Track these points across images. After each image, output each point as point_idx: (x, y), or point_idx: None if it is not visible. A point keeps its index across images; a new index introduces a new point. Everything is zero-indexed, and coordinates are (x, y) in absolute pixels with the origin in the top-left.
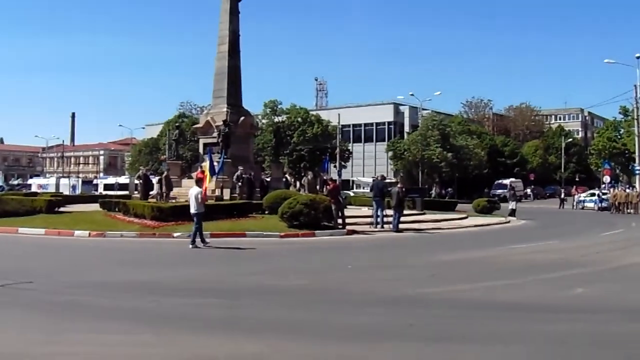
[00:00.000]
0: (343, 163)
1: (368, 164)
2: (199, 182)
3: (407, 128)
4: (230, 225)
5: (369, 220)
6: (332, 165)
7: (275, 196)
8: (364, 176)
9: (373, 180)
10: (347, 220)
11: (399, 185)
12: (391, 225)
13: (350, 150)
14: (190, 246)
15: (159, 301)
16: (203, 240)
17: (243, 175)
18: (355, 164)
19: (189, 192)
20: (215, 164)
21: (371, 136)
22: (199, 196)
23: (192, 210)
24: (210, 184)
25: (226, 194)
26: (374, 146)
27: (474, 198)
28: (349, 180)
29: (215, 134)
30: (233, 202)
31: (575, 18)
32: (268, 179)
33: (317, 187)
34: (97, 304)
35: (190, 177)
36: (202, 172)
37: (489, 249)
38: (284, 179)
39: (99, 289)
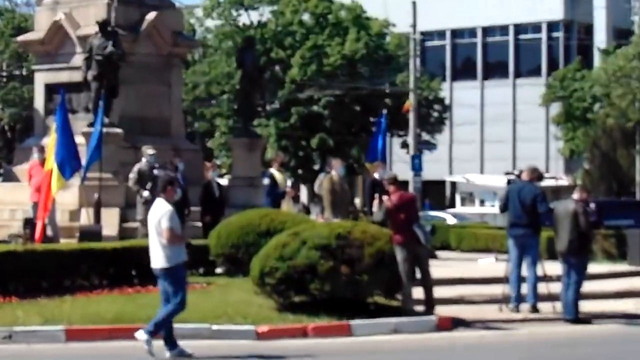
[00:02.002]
0: (428, 138)
1: (493, 139)
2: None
3: (602, 41)
4: (119, 308)
5: (494, 290)
6: (396, 138)
7: (242, 226)
8: (482, 171)
9: (508, 183)
10: (440, 291)
11: (578, 196)
12: (559, 305)
13: (445, 103)
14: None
15: None
16: None
17: (156, 171)
18: (457, 140)
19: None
20: (79, 139)
21: (501, 63)
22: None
23: (157, 264)
24: (61, 194)
25: (110, 220)
26: (509, 90)
27: None
28: (441, 183)
29: (77, 60)
30: (125, 243)
31: None
32: (221, 180)
33: (356, 199)
34: None
35: (6, 176)
36: (42, 161)
37: None
38: (266, 179)
39: None
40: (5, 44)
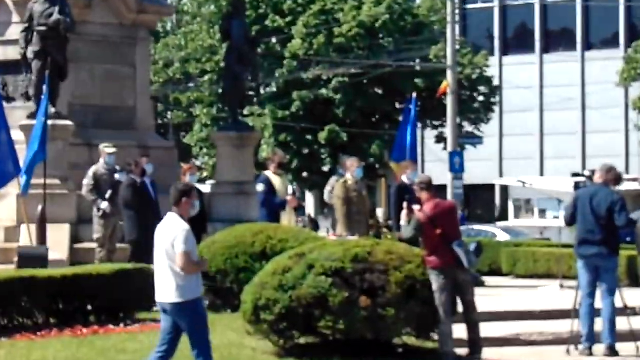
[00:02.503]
0: (472, 130)
1: (555, 131)
2: None
3: None
4: (71, 355)
5: (559, 327)
6: (429, 130)
7: (230, 246)
8: (542, 172)
9: (576, 187)
10: (488, 329)
11: None
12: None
13: (493, 83)
14: None
15: None
16: None
17: (117, 175)
18: (510, 132)
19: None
20: (16, 134)
21: (565, 32)
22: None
23: (166, 298)
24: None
25: (58, 240)
26: (577, 67)
27: None
28: (489, 189)
29: (13, 32)
30: (79, 270)
31: None
32: (202, 186)
33: (378, 210)
34: None
35: None
36: None
37: None
38: (260, 184)
39: None
40: None
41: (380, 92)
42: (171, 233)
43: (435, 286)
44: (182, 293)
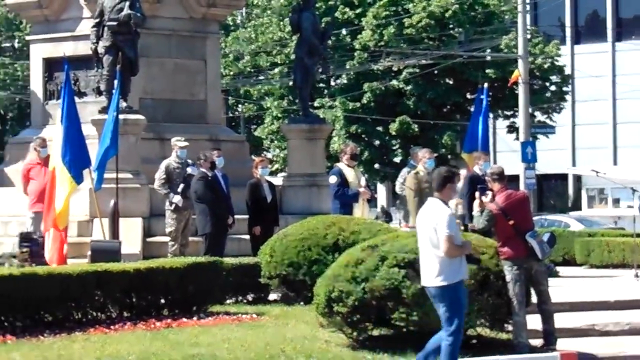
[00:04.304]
0: (544, 119)
1: (629, 119)
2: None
3: None
4: (145, 348)
5: (635, 317)
6: (501, 120)
7: (302, 238)
8: (616, 161)
9: None
10: (562, 320)
11: None
12: None
13: (565, 72)
14: None
15: None
16: None
17: (189, 169)
18: (583, 121)
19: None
20: (88, 129)
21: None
22: None
23: (430, 282)
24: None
25: (131, 234)
26: None
27: None
28: (562, 178)
29: (85, 27)
30: (151, 264)
31: None
32: (274, 179)
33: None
34: None
35: None
36: (44, 159)
37: None
38: (332, 176)
39: None
40: None
41: (451, 82)
42: (434, 218)
43: (508, 277)
44: (445, 276)
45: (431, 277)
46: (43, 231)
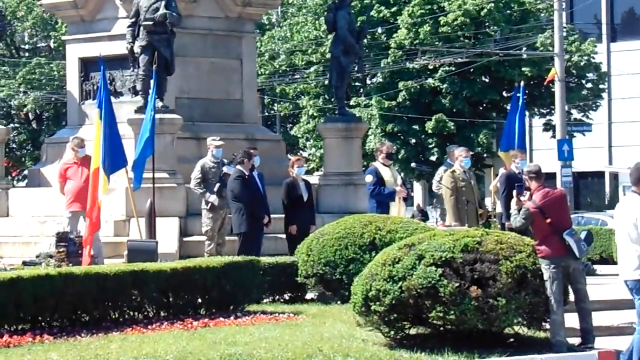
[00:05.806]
0: (581, 117)
1: None
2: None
3: None
4: (182, 348)
5: None
6: (537, 118)
7: (339, 237)
8: None
9: None
10: (600, 318)
11: None
12: None
13: (602, 69)
14: None
15: None
16: None
17: (225, 168)
18: (619, 119)
19: None
20: (124, 129)
21: None
22: None
23: (632, 275)
24: (103, 201)
25: (167, 234)
26: None
27: None
28: (599, 176)
29: (121, 27)
30: (188, 263)
31: None
32: (310, 178)
33: (487, 200)
34: None
35: (32, 179)
36: (80, 159)
37: None
38: (369, 175)
39: None
40: (28, 9)
41: (487, 80)
42: (633, 212)
43: (546, 275)
44: None
45: (629, 270)
46: (86, 232)
